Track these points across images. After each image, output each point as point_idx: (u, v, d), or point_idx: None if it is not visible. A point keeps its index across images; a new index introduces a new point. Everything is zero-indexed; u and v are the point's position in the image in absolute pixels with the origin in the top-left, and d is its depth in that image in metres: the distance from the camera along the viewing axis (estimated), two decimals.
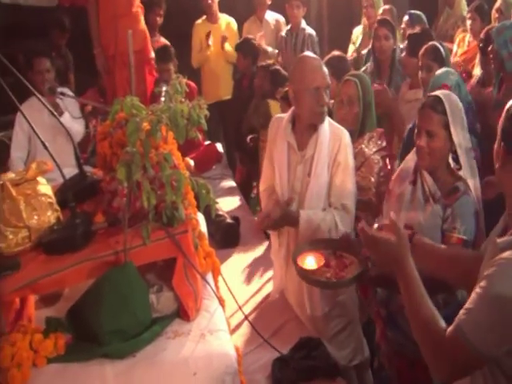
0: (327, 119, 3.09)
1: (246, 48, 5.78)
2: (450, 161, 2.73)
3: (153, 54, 5.33)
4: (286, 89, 3.70)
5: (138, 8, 5.14)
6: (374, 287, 2.92)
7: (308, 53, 3.32)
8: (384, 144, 3.46)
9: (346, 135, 3.11)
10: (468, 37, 5.75)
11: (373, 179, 3.36)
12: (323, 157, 3.04)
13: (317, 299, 3.07)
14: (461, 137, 2.67)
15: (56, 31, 6.35)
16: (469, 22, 5.71)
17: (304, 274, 2.56)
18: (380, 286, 2.84)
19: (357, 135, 3.47)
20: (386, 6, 5.62)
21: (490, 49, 3.95)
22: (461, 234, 2.57)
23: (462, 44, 5.76)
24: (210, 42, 6.28)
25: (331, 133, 3.07)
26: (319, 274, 2.52)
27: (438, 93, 2.74)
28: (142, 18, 5.18)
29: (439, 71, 3.59)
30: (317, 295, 3.06)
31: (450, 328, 1.66)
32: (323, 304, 3.08)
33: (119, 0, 4.96)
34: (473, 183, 2.68)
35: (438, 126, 2.65)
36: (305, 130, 3.08)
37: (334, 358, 2.86)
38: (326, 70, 3.05)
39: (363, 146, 3.43)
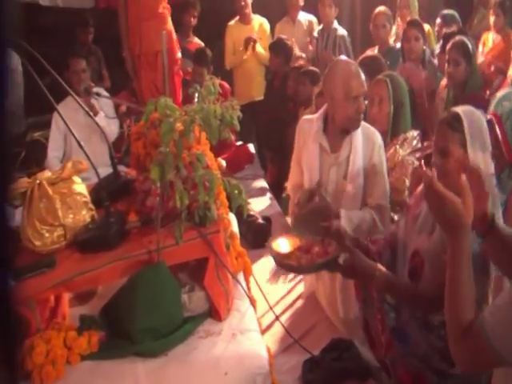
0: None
1: (278, 48, 5.77)
2: None
3: (179, 54, 5.34)
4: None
5: (164, 9, 5.14)
6: (344, 277, 2.69)
7: (343, 57, 3.31)
8: (419, 145, 3.42)
9: (378, 137, 3.10)
10: (491, 34, 5.68)
11: (407, 180, 3.33)
12: (358, 159, 3.04)
13: (351, 302, 3.05)
14: (480, 160, 2.40)
15: (79, 29, 6.38)
16: (492, 19, 5.63)
17: (275, 256, 2.49)
18: (349, 277, 2.64)
19: (390, 136, 3.44)
20: (382, 8, 5.52)
21: None
22: None
23: (486, 43, 5.69)
24: (248, 52, 6.28)
25: (364, 134, 3.07)
26: (294, 258, 2.45)
27: (458, 109, 2.50)
28: (169, 19, 5.20)
29: (498, 94, 3.26)
30: (351, 298, 3.03)
31: (475, 320, 1.59)
32: (357, 306, 3.06)
33: (144, 2, 4.99)
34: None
35: (453, 145, 2.41)
36: (338, 132, 3.08)
37: (365, 359, 2.83)
38: (363, 76, 3.03)
39: (397, 146, 3.40)
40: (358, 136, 3.05)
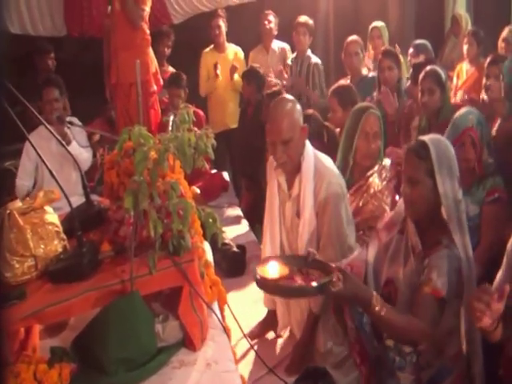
0: (314, 157, 3.02)
1: (250, 76, 5.82)
2: (443, 211, 2.50)
3: (155, 87, 5.34)
4: None
5: (143, 40, 5.17)
6: (339, 302, 2.65)
7: (288, 97, 3.15)
8: (392, 174, 3.45)
9: (329, 174, 3.00)
10: (465, 65, 5.81)
11: (387, 208, 3.35)
12: (307, 197, 2.97)
13: (319, 336, 3.05)
14: (448, 187, 2.45)
15: (38, 57, 6.29)
16: (465, 47, 5.77)
17: (264, 283, 2.38)
18: (343, 302, 2.60)
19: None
20: (354, 37, 5.61)
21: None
22: (437, 287, 2.35)
23: (461, 75, 5.81)
24: (219, 71, 6.32)
25: (316, 171, 2.99)
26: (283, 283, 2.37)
27: (425, 137, 2.55)
28: (148, 50, 5.22)
29: (458, 113, 3.45)
30: (319, 333, 3.03)
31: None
32: (325, 339, 3.04)
33: (120, 32, 5.02)
34: (460, 239, 2.45)
35: (421, 173, 2.46)
36: (290, 169, 3.05)
37: None
38: (290, 121, 2.93)
39: (376, 175, 3.43)
40: (309, 173, 2.98)
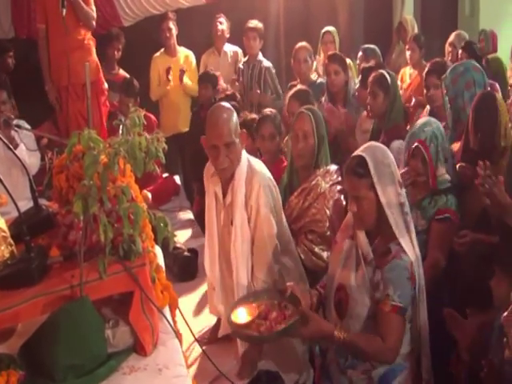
0: (247, 163, 3.03)
1: (206, 79, 5.83)
2: (390, 216, 2.50)
3: (106, 85, 5.34)
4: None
5: (89, 40, 5.21)
6: (305, 341, 2.85)
7: (223, 104, 3.14)
8: (340, 179, 3.48)
9: (260, 179, 3.01)
10: (408, 69, 5.95)
11: (328, 212, 3.39)
12: (239, 204, 2.99)
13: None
14: (390, 194, 2.49)
15: None
16: (408, 53, 5.93)
17: (234, 328, 2.52)
18: (310, 341, 2.79)
19: (312, 169, 3.50)
20: (303, 43, 5.67)
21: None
22: (395, 301, 2.41)
23: (404, 78, 5.97)
24: (170, 77, 6.30)
25: (247, 178, 3.00)
26: (254, 327, 2.46)
27: (361, 152, 2.56)
28: (93, 50, 5.21)
29: (419, 121, 3.45)
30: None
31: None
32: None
33: (70, 34, 4.98)
34: (408, 241, 2.51)
35: (363, 190, 2.49)
36: (223, 177, 3.06)
37: None
38: (229, 125, 2.93)
39: (319, 178, 3.46)
40: (241, 180, 2.99)
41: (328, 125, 3.74)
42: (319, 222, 3.38)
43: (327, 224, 3.37)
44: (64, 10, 4.80)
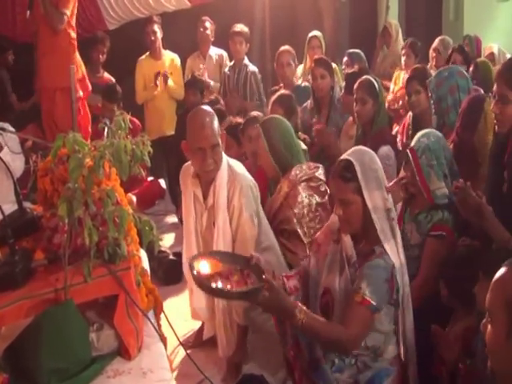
0: (227, 165, 3.08)
1: (194, 84, 5.84)
2: (376, 221, 2.50)
3: (81, 93, 5.22)
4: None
5: (68, 45, 4.99)
6: (264, 311, 2.60)
7: (203, 107, 3.20)
8: (310, 172, 3.52)
9: (241, 180, 3.07)
10: (403, 73, 5.98)
11: (296, 210, 3.39)
12: (222, 205, 3.04)
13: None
14: (377, 199, 2.50)
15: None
16: (403, 59, 5.97)
17: (196, 276, 2.34)
18: (268, 312, 2.57)
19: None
20: (286, 47, 5.69)
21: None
22: (366, 296, 2.37)
23: (397, 81, 5.99)
24: (158, 82, 6.29)
25: (229, 180, 3.06)
26: (213, 281, 2.33)
27: (348, 155, 2.56)
28: (74, 55, 5.06)
29: (419, 132, 3.30)
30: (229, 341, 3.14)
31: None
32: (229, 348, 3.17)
33: (41, 36, 4.93)
34: (393, 246, 2.51)
35: (350, 194, 2.49)
36: (205, 179, 3.10)
37: None
38: (213, 127, 3.00)
39: (285, 180, 3.48)
40: (223, 181, 3.04)
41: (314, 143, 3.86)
42: (287, 219, 3.39)
43: (295, 221, 3.37)
44: (28, 12, 4.75)
